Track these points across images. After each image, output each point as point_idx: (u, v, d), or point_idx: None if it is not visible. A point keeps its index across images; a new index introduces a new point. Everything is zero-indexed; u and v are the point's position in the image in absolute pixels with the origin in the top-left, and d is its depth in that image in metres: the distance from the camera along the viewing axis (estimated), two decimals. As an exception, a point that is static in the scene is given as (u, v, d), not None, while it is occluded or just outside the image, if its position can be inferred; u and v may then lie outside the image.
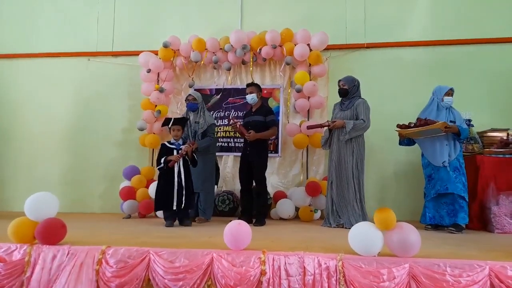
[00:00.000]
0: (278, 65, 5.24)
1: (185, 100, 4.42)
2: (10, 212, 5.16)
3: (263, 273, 2.08)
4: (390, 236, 2.15)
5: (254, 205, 4.09)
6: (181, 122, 3.96)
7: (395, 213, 2.20)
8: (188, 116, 4.34)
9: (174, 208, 3.74)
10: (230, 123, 4.27)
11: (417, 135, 3.86)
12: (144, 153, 5.39)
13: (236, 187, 4.89)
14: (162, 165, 3.78)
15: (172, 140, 3.93)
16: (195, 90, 5.00)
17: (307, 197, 4.61)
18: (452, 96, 3.86)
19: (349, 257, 2.11)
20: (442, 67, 5.01)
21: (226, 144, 5.30)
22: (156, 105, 5.16)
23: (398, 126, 3.94)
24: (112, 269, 2.18)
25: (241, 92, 5.29)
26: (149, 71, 5.13)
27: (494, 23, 4.99)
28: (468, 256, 2.18)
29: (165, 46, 5.10)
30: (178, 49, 5.23)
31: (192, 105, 4.31)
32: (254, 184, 4.14)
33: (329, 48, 5.09)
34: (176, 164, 3.79)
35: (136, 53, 5.35)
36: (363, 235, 2.17)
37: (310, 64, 5.05)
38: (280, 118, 5.18)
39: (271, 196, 4.80)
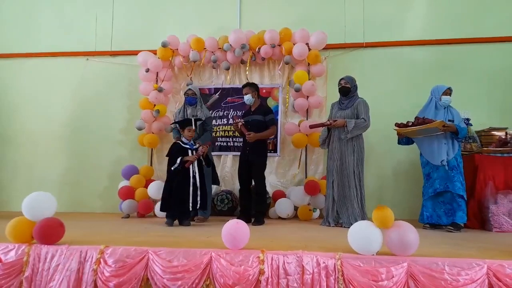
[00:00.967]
0: (277, 64, 5.24)
1: (184, 94, 4.46)
2: (9, 212, 5.15)
3: (261, 272, 2.08)
4: (389, 235, 2.15)
5: (253, 205, 4.08)
6: (196, 122, 3.97)
7: (394, 212, 2.20)
8: (185, 110, 4.39)
9: (190, 208, 3.72)
10: (233, 122, 4.29)
11: (415, 134, 3.86)
12: (143, 153, 5.38)
13: (235, 186, 4.89)
14: (177, 165, 3.72)
15: (185, 140, 3.89)
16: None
17: (306, 196, 4.61)
18: (450, 95, 3.87)
19: (348, 256, 2.11)
20: (440, 66, 5.02)
21: (225, 144, 5.29)
22: (154, 105, 5.15)
23: (397, 125, 3.95)
24: (110, 268, 2.17)
25: (240, 92, 5.25)
26: (147, 70, 5.13)
27: (492, 22, 5.00)
28: (467, 255, 2.19)
29: (164, 45, 5.10)
30: (177, 49, 5.23)
31: (191, 99, 4.37)
32: (253, 183, 4.14)
33: (327, 47, 5.10)
34: (191, 165, 3.77)
35: (134, 53, 5.34)
36: (362, 234, 2.18)
37: (309, 64, 5.05)
38: (279, 117, 5.18)
39: (270, 195, 4.80)
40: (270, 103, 5.22)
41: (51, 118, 5.66)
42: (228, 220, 2.36)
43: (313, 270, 2.07)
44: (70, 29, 5.81)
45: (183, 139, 3.91)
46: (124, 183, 4.91)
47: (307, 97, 4.96)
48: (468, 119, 4.31)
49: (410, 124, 3.82)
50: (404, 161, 4.91)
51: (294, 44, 4.95)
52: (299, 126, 4.93)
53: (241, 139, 4.86)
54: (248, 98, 4.18)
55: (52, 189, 5.04)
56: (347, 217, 3.80)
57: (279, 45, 5.02)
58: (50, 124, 5.65)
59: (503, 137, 4.07)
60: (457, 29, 5.05)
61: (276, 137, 5.11)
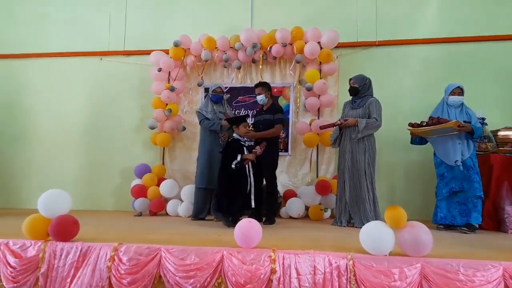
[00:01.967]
0: (288, 63, 5.23)
1: (212, 91, 4.47)
2: (24, 209, 5.25)
3: (273, 271, 2.08)
4: (401, 235, 2.13)
5: (264, 204, 4.08)
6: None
7: (406, 212, 2.18)
8: (213, 107, 4.44)
9: (253, 206, 3.64)
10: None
11: (429, 134, 3.81)
12: (155, 152, 5.43)
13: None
14: (238, 162, 3.60)
15: (237, 137, 3.80)
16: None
17: (317, 196, 4.59)
18: (459, 95, 3.79)
19: (360, 256, 2.10)
20: (453, 65, 4.93)
21: (236, 143, 5.30)
22: (166, 104, 5.19)
23: (410, 124, 3.90)
24: (124, 266, 2.20)
25: (251, 91, 5.28)
26: (160, 70, 5.17)
27: (506, 20, 4.88)
28: (482, 256, 2.15)
29: (176, 45, 5.13)
30: (189, 48, 5.26)
31: (219, 97, 4.47)
32: (264, 183, 4.14)
33: (339, 46, 5.06)
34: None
35: (147, 52, 5.39)
36: (374, 234, 2.16)
37: (320, 63, 5.02)
38: (290, 116, 5.16)
39: (281, 195, 4.80)
40: (282, 102, 5.20)
41: (65, 118, 5.75)
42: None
43: (325, 270, 2.06)
44: (83, 29, 5.89)
45: (235, 136, 3.80)
46: (136, 181, 4.97)
47: (319, 96, 4.94)
48: (483, 119, 4.23)
49: (424, 124, 3.77)
50: (417, 161, 4.85)
51: (305, 43, 4.93)
52: (310, 125, 4.91)
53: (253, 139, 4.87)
54: (261, 98, 4.18)
55: (66, 187, 5.06)
56: (359, 218, 3.77)
57: (291, 44, 5.00)
58: (64, 123, 5.74)
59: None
60: (470, 27, 4.96)
61: (287, 136, 5.10)
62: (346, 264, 2.06)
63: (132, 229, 3.31)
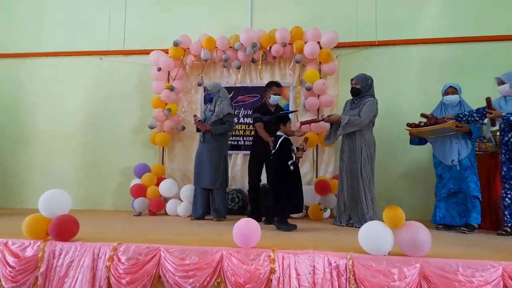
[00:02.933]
0: (288, 63, 5.23)
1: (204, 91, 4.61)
2: (24, 209, 5.25)
3: (272, 271, 2.08)
4: (400, 235, 2.14)
5: (267, 202, 4.10)
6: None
7: (405, 212, 2.18)
8: (207, 107, 4.51)
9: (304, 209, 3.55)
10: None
11: (427, 134, 3.81)
12: (155, 151, 5.43)
13: (246, 185, 4.88)
14: (293, 161, 3.42)
15: (282, 135, 3.61)
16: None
17: (316, 195, 4.59)
18: (452, 94, 3.80)
19: (360, 256, 2.10)
20: (453, 65, 4.93)
21: (235, 142, 5.30)
22: (166, 103, 5.19)
23: (408, 125, 3.90)
24: (123, 265, 2.20)
25: (250, 91, 5.30)
26: (159, 69, 5.17)
27: (506, 20, 4.89)
28: (481, 256, 2.15)
29: (176, 44, 5.13)
30: (188, 48, 5.26)
31: (207, 95, 4.52)
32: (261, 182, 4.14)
33: (339, 46, 5.06)
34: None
35: (147, 52, 5.39)
36: (374, 234, 2.16)
37: (320, 62, 5.02)
38: (290, 116, 5.14)
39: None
40: (281, 102, 5.18)
41: (64, 117, 5.74)
42: (238, 219, 2.37)
43: (324, 270, 2.07)
44: (83, 28, 5.89)
45: (280, 134, 3.60)
46: (136, 181, 4.96)
47: (318, 96, 4.94)
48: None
49: (423, 124, 3.77)
50: (416, 160, 4.85)
51: (305, 43, 4.93)
52: (310, 125, 4.90)
53: (251, 139, 4.88)
54: (278, 98, 4.21)
55: (66, 186, 5.06)
56: (357, 218, 3.77)
57: (290, 44, 5.00)
58: (64, 123, 5.74)
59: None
60: (470, 28, 4.96)
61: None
62: (346, 264, 2.07)
63: (131, 229, 3.31)
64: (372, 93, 3.98)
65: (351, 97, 4.09)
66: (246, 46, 5.01)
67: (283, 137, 3.54)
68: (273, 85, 4.21)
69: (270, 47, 4.99)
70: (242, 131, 5.26)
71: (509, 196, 3.46)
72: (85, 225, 2.60)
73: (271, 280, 2.07)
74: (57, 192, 2.49)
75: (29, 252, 2.32)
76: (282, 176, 3.44)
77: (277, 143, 3.51)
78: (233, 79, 5.38)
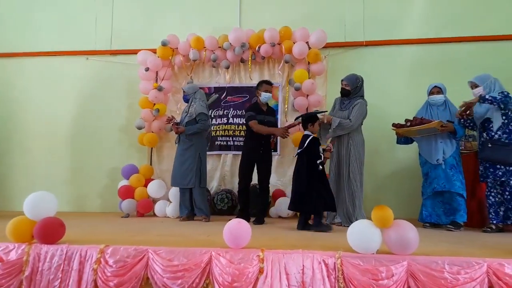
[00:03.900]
0: (277, 63, 5.24)
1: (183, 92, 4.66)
2: (10, 211, 5.15)
3: (261, 271, 2.08)
4: (388, 234, 2.16)
5: (255, 203, 4.12)
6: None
7: (393, 211, 2.20)
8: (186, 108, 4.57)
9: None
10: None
11: (413, 134, 3.87)
12: (143, 152, 5.38)
13: (235, 185, 4.87)
14: (322, 160, 3.43)
15: (310, 134, 3.58)
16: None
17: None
18: (438, 94, 3.86)
19: (348, 255, 2.11)
20: (441, 65, 5.01)
21: (225, 143, 5.29)
22: (154, 104, 5.15)
23: (394, 125, 3.95)
24: (111, 268, 2.17)
25: (240, 91, 5.29)
26: (147, 69, 5.12)
27: (493, 21, 4.99)
28: (466, 254, 2.19)
29: (164, 44, 5.09)
30: (177, 48, 5.22)
31: (184, 97, 4.63)
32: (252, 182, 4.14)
33: (328, 46, 5.09)
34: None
35: (134, 52, 5.33)
36: (362, 233, 2.18)
37: (309, 63, 5.04)
38: (279, 116, 5.17)
39: (270, 194, 4.79)
40: (270, 102, 5.19)
41: (51, 117, 5.66)
42: (228, 220, 2.36)
43: (313, 269, 2.07)
44: (70, 28, 5.81)
45: (307, 133, 3.57)
46: (123, 182, 4.91)
47: (307, 96, 4.96)
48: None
49: (408, 124, 3.82)
50: (403, 160, 4.91)
51: (294, 43, 4.94)
52: (299, 125, 4.91)
53: (242, 139, 4.87)
54: (269, 96, 4.18)
55: (52, 188, 5.01)
56: (344, 218, 3.79)
57: (279, 44, 5.01)
58: (50, 123, 5.65)
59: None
60: (457, 28, 5.04)
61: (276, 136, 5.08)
62: (334, 263, 2.07)
63: (119, 231, 3.27)
64: (362, 94, 4.00)
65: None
66: (235, 46, 5.00)
67: (311, 136, 3.51)
68: (264, 83, 4.22)
69: (259, 47, 4.99)
70: (232, 131, 5.24)
71: (493, 194, 3.53)
72: (71, 227, 2.56)
73: (259, 279, 2.07)
74: (42, 194, 2.44)
75: (13, 256, 2.27)
76: (312, 176, 3.40)
77: (304, 143, 3.48)
78: (222, 79, 5.36)
